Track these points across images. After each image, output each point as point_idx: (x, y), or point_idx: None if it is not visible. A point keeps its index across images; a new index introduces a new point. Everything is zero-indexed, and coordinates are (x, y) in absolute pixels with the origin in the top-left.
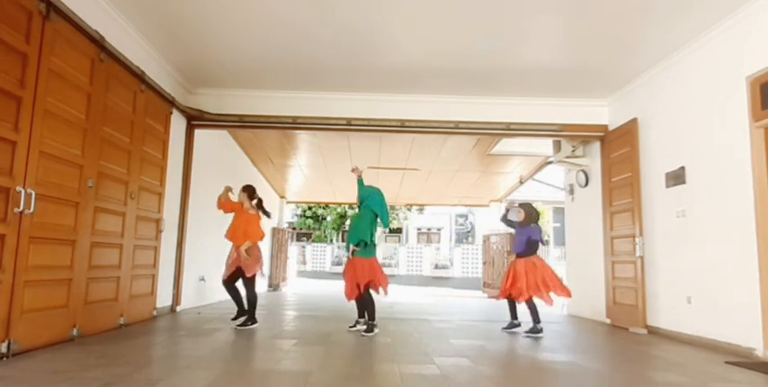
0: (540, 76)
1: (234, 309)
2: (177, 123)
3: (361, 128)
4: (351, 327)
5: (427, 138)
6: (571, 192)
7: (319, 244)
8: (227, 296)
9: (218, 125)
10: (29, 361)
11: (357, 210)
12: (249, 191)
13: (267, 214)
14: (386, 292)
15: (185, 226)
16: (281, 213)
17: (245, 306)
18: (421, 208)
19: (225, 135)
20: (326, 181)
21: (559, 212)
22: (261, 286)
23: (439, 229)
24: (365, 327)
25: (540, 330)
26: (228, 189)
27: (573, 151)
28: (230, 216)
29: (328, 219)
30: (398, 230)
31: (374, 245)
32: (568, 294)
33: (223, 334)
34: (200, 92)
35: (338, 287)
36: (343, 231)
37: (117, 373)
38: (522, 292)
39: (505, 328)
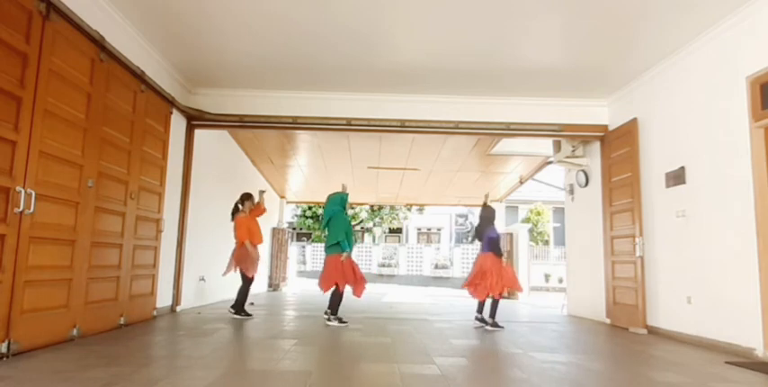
0: (540, 76)
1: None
2: (177, 123)
3: (361, 128)
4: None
5: (427, 138)
6: (571, 192)
7: (319, 244)
8: (227, 296)
9: (218, 125)
10: (29, 361)
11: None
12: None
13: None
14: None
15: (185, 226)
16: (282, 213)
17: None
18: (421, 208)
19: (225, 135)
20: (326, 181)
21: (559, 212)
22: (259, 286)
23: (439, 229)
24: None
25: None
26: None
27: (573, 151)
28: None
29: None
30: (398, 230)
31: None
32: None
33: (223, 334)
34: (200, 92)
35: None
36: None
37: (117, 373)
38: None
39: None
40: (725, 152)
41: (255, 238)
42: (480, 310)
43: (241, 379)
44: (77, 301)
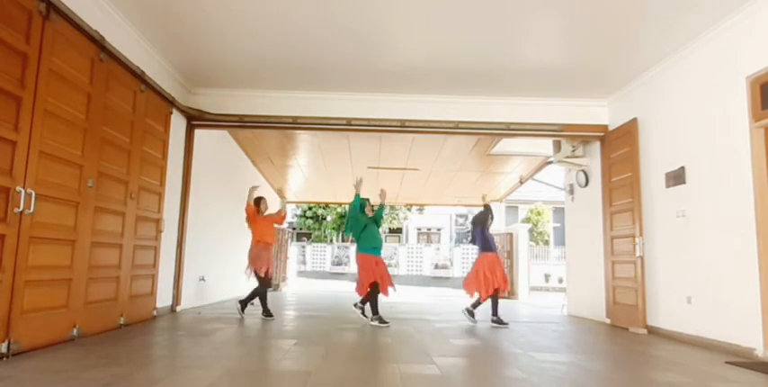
0: (540, 76)
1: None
2: (177, 123)
3: (361, 128)
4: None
5: (427, 138)
6: (571, 192)
7: (319, 244)
8: (227, 296)
9: (218, 125)
10: (29, 361)
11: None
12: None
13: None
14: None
15: (185, 226)
16: None
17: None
18: (421, 208)
19: (225, 135)
20: (326, 181)
21: (559, 212)
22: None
23: (439, 229)
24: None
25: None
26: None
27: (573, 151)
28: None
29: (328, 219)
30: (398, 230)
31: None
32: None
33: (223, 334)
34: (200, 92)
35: (338, 287)
36: (343, 231)
37: (117, 373)
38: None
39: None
40: (725, 152)
41: (259, 234)
42: (473, 308)
43: (241, 379)
44: (77, 301)
